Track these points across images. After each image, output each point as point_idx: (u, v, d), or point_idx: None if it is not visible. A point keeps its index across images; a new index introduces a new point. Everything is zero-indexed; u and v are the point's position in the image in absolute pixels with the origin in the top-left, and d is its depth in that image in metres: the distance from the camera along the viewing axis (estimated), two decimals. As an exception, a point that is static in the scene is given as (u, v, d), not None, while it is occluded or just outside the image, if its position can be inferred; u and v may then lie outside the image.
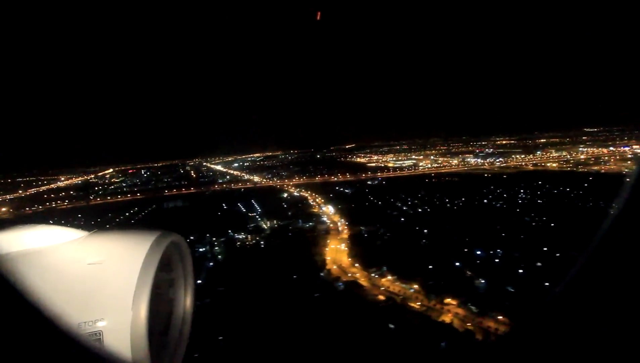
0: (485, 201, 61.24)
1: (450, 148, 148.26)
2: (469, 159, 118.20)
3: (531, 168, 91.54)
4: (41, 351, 0.77)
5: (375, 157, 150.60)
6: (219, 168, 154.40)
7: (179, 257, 1.58)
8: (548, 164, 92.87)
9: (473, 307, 28.39)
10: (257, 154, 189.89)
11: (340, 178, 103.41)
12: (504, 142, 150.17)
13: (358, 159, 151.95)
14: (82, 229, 1.44)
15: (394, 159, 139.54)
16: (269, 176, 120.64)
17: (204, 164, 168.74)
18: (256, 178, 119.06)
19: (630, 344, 0.85)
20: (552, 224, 46.62)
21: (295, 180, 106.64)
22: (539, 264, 35.24)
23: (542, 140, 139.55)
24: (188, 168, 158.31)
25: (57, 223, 1.46)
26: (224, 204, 74.45)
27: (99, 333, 1.11)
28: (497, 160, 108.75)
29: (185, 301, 1.60)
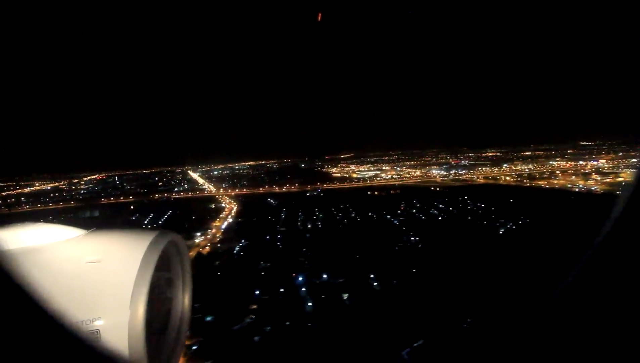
0: (389, 217, 55.45)
1: (430, 159, 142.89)
2: (431, 171, 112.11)
3: (481, 180, 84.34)
4: (38, 349, 0.75)
5: (352, 167, 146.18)
6: (194, 176, 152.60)
7: (177, 256, 1.58)
8: (501, 178, 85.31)
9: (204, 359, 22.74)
10: (249, 163, 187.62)
11: (286, 188, 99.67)
12: (489, 154, 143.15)
13: (332, 169, 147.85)
14: (81, 227, 1.43)
15: (364, 170, 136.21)
16: (227, 185, 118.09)
17: (187, 171, 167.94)
18: (211, 187, 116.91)
19: (630, 345, 0.82)
20: (424, 248, 40.44)
21: (243, 190, 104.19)
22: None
23: (526, 153, 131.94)
24: (167, 175, 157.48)
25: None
26: (136, 215, 71.88)
27: (97, 332, 1.09)
28: (457, 172, 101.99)
29: (184, 300, 1.60)
